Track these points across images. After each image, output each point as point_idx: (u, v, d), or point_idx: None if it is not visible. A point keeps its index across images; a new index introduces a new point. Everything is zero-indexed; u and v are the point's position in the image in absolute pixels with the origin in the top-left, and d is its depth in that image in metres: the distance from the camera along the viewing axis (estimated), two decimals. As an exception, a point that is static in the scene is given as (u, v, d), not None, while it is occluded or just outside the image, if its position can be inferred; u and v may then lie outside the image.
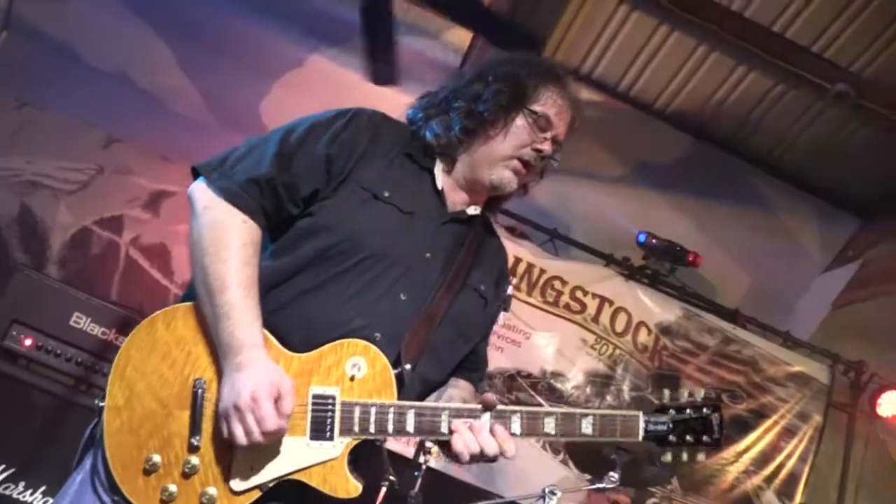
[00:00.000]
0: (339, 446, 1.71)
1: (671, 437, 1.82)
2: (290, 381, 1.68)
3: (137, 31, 5.77)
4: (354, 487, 1.71)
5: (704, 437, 1.81)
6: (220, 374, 1.70)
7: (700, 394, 1.85)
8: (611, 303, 6.21)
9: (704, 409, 1.82)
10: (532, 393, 5.88)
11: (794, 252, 6.29)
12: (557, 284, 6.12)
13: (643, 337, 6.24)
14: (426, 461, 4.01)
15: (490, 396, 1.79)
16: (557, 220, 6.17)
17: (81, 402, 3.53)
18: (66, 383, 3.58)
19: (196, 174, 1.86)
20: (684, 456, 1.82)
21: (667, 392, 1.86)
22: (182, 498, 1.67)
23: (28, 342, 3.57)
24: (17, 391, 3.45)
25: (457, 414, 1.78)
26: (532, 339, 5.99)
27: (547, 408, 1.75)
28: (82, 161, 5.85)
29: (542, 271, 6.11)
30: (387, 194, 1.88)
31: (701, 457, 1.83)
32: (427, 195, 1.98)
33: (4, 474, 3.34)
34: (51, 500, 3.36)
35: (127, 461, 1.67)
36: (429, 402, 1.86)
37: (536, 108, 1.99)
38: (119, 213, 5.84)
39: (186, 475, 1.67)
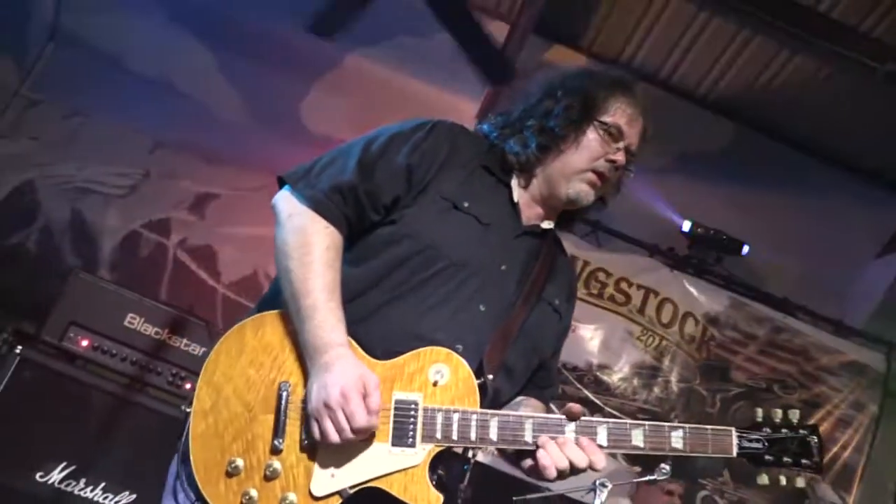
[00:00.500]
0: (421, 453, 1.70)
1: (767, 457, 1.75)
2: (376, 378, 1.68)
3: (179, 37, 5.91)
4: (436, 497, 1.68)
5: (804, 461, 1.74)
6: (305, 377, 1.72)
7: (796, 414, 1.78)
8: (656, 293, 6.14)
9: (801, 430, 1.76)
10: (579, 386, 5.84)
11: (845, 238, 6.15)
12: (601, 276, 6.07)
13: (690, 328, 6.16)
14: (475, 455, 4.02)
15: (576, 407, 1.77)
16: (600, 211, 6.10)
17: (137, 400, 3.59)
18: (121, 382, 3.65)
19: (282, 183, 1.90)
20: (782, 480, 1.76)
21: (759, 410, 1.80)
22: (263, 502, 1.66)
23: (85, 343, 3.65)
24: (75, 391, 3.52)
25: (542, 423, 1.76)
26: (578, 332, 5.95)
27: (633, 421, 1.70)
28: (130, 166, 5.97)
29: (586, 263, 6.07)
30: (466, 205, 1.91)
31: (801, 482, 1.75)
32: (503, 208, 2.00)
33: (66, 471, 3.41)
34: (111, 496, 3.44)
35: (210, 464, 1.68)
36: (511, 412, 1.82)
37: (607, 119, 2.00)
38: (166, 216, 5.95)
39: (268, 478, 1.67)
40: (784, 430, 1.75)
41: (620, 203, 6.52)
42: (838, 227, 6.09)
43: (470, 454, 4.40)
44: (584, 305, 5.99)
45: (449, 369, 1.76)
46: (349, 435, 1.62)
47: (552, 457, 1.71)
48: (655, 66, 5.90)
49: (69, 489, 3.41)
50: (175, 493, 1.75)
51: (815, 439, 1.75)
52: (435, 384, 1.74)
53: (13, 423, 3.37)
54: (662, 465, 3.82)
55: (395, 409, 1.72)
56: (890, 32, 4.89)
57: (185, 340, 3.81)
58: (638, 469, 5.57)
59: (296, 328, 1.73)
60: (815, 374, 6.25)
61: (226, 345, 1.77)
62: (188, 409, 1.74)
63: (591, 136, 1.99)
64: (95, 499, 3.42)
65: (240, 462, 1.67)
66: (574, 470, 1.72)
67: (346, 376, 1.64)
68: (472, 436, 1.71)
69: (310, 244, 1.76)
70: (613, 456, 5.70)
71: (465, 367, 1.77)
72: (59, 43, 5.80)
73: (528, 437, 1.74)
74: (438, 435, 1.70)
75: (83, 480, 3.44)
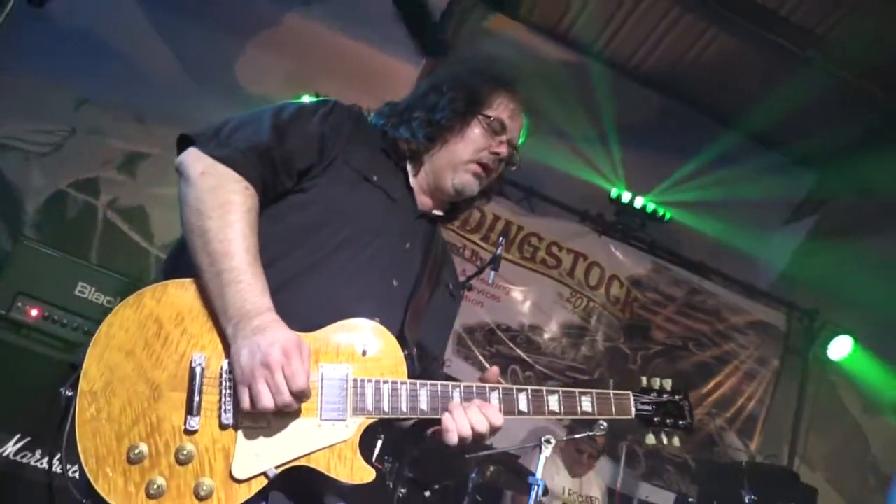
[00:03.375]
0: (352, 427, 1.62)
1: (655, 419, 1.92)
2: (308, 345, 1.60)
3: (108, -11, 5.64)
4: (368, 472, 1.62)
5: (680, 422, 1.94)
6: (222, 348, 1.59)
7: (668, 383, 1.96)
8: (585, 257, 6.44)
9: (676, 396, 1.95)
10: (512, 346, 6.10)
11: (757, 206, 6.56)
12: (534, 240, 6.31)
13: (615, 290, 6.51)
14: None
15: (496, 371, 1.86)
16: (533, 178, 6.30)
17: (91, 370, 3.56)
18: (74, 352, 3.60)
19: (185, 143, 1.77)
20: (664, 438, 1.94)
21: (643, 379, 1.97)
22: (173, 491, 1.49)
23: (34, 313, 3.55)
24: (26, 362, 3.43)
25: (469, 391, 1.75)
26: (511, 294, 6.20)
27: (549, 387, 1.85)
28: (53, 123, 5.70)
29: (520, 228, 6.29)
30: (375, 178, 1.93)
31: (676, 441, 1.93)
32: (403, 190, 2.04)
33: (20, 443, 3.35)
34: (68, 467, 3.41)
35: (104, 453, 1.47)
36: (438, 382, 1.78)
37: (490, 112, 2.06)
38: (94, 176, 5.73)
39: (181, 462, 1.50)
40: (664, 396, 1.94)
41: (553, 170, 6.75)
42: (751, 196, 6.48)
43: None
44: (516, 268, 6.22)
45: (376, 340, 1.71)
46: (286, 399, 1.52)
47: (456, 422, 1.70)
48: (590, 39, 6.07)
49: (25, 461, 3.35)
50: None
51: (687, 404, 1.96)
52: (364, 354, 1.69)
53: (-35, 397, 3.29)
54: (601, 421, 4.11)
55: (324, 381, 1.64)
56: (809, 20, 5.19)
57: (137, 310, 3.76)
58: (566, 422, 5.91)
59: (213, 293, 1.59)
60: (726, 333, 6.75)
61: (120, 316, 1.57)
62: (69, 393, 1.53)
63: (476, 129, 2.04)
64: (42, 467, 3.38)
65: (143, 447, 1.48)
66: (476, 435, 1.71)
67: (286, 336, 1.56)
68: (403, 406, 1.68)
69: (231, 203, 1.65)
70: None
71: (391, 339, 1.74)
72: (-27, -11, 5.44)
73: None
74: (370, 407, 1.65)
75: (38, 452, 3.39)
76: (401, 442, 4.35)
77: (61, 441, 1.51)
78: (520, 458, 4.77)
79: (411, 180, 2.06)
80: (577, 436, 4.30)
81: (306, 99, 2.08)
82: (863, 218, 6.42)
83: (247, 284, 1.58)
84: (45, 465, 3.40)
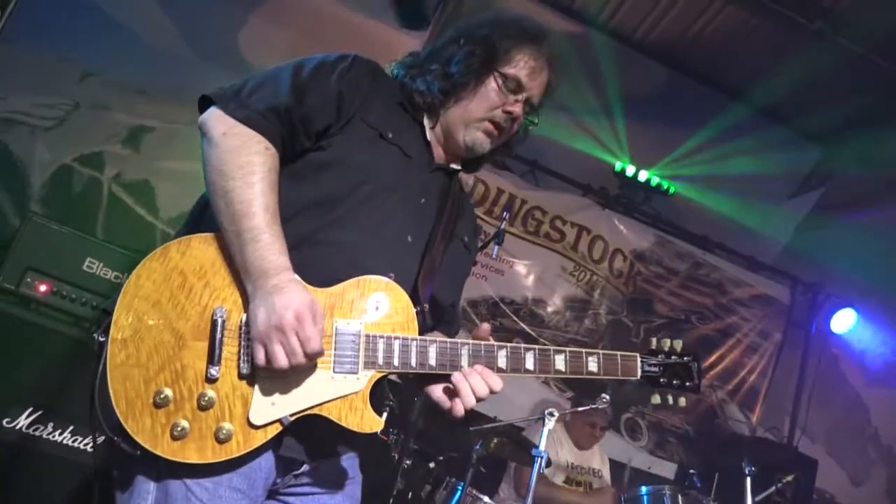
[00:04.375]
0: (363, 379, 1.69)
1: (662, 380, 1.95)
2: (321, 308, 1.66)
3: (109, -39, 5.59)
4: (377, 422, 1.69)
5: (687, 383, 1.97)
6: (242, 302, 1.66)
7: (679, 344, 1.98)
8: (588, 231, 6.45)
9: (685, 357, 1.97)
10: (515, 319, 6.14)
11: (762, 179, 6.55)
12: (538, 214, 6.32)
13: (619, 263, 6.53)
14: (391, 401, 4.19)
15: (485, 327, 1.85)
16: (537, 151, 6.29)
17: (99, 344, 3.60)
18: (83, 326, 3.63)
19: (207, 103, 1.80)
20: (670, 399, 1.96)
21: (653, 340, 1.99)
22: (195, 433, 1.59)
23: (43, 288, 3.58)
24: (36, 337, 3.46)
25: (476, 350, 1.80)
26: (514, 268, 6.22)
27: (556, 346, 1.87)
28: (57, 96, 5.69)
29: (524, 202, 6.29)
30: (391, 135, 1.92)
31: (682, 401, 1.96)
32: (419, 143, 2.02)
33: (33, 416, 3.41)
34: (80, 438, 3.47)
35: (132, 396, 1.57)
36: (447, 339, 1.85)
37: (508, 70, 2.01)
38: (99, 150, 5.73)
39: (202, 408, 1.59)
40: (673, 357, 1.97)
41: (556, 144, 6.73)
42: (756, 170, 6.47)
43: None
44: (520, 242, 6.24)
45: (388, 297, 1.77)
46: (300, 359, 1.59)
47: (461, 393, 1.75)
48: (596, 10, 6.02)
49: (37, 434, 3.41)
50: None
51: (696, 365, 1.98)
52: (376, 311, 1.75)
53: (-25, 371, 3.33)
54: (603, 394, 4.15)
55: (338, 335, 1.71)
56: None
57: (145, 284, 3.79)
58: (570, 395, 5.98)
59: (234, 251, 1.66)
60: (729, 306, 6.78)
61: (147, 268, 1.65)
62: (102, 338, 1.62)
63: (491, 86, 2.00)
64: (64, 442, 3.44)
65: (168, 392, 1.58)
66: (478, 401, 1.76)
67: (300, 300, 1.61)
68: (413, 361, 1.73)
69: (252, 164, 1.70)
70: (547, 384, 6.08)
71: (404, 296, 1.78)
72: (-26, -38, 5.40)
73: (465, 363, 1.78)
74: (380, 361, 1.71)
75: (51, 424, 3.43)
76: (407, 413, 4.42)
77: (95, 382, 1.60)
78: (524, 431, 4.83)
79: (427, 133, 2.05)
80: (580, 409, 4.36)
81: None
82: (868, 192, 6.41)
83: (265, 244, 1.64)
84: (58, 438, 3.46)
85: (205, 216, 1.79)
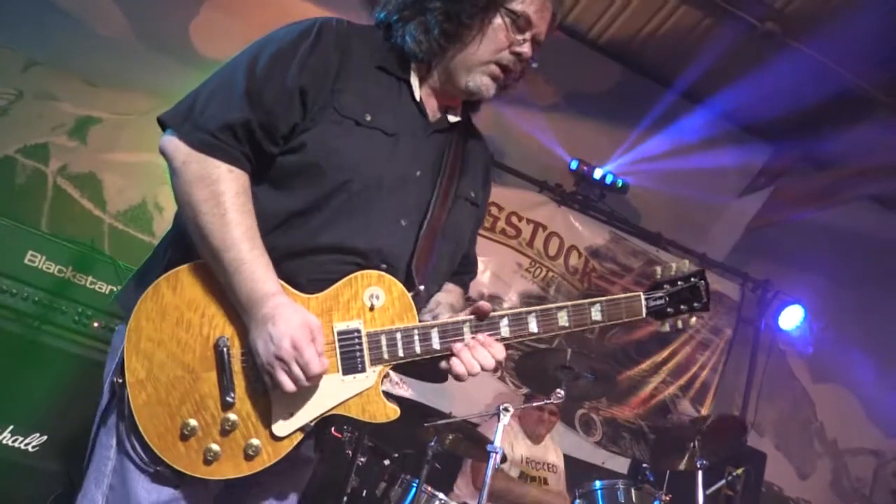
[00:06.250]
0: (373, 375, 1.73)
1: (669, 309, 1.89)
2: (317, 320, 1.66)
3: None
4: (393, 411, 1.75)
5: (695, 304, 1.90)
6: (241, 328, 1.68)
7: (685, 264, 1.93)
8: (544, 228, 6.47)
9: (692, 279, 1.90)
10: (471, 316, 6.11)
11: (713, 177, 6.65)
12: (494, 210, 6.31)
13: (574, 260, 6.56)
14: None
15: (485, 305, 1.79)
16: (493, 147, 6.25)
17: (42, 340, 3.46)
18: (24, 322, 3.50)
19: (163, 126, 1.72)
20: (679, 324, 1.91)
21: (658, 269, 1.94)
22: (227, 454, 1.67)
23: (-19, 282, 3.46)
24: (-27, 333, 3.36)
25: (477, 324, 1.79)
26: (470, 264, 6.20)
27: (558, 304, 1.84)
28: (0, 86, 5.50)
29: (480, 198, 6.27)
30: (369, 118, 1.78)
31: (692, 322, 1.90)
32: (407, 109, 1.88)
33: (-29, 414, 3.29)
34: (20, 438, 3.35)
35: (162, 431, 1.65)
36: (447, 318, 1.82)
37: (516, 7, 1.86)
38: (44, 141, 5.55)
39: (227, 432, 1.67)
40: (679, 283, 1.90)
41: (513, 140, 6.70)
42: (708, 168, 6.56)
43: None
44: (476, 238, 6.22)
45: (383, 290, 1.76)
46: (304, 384, 1.63)
47: (465, 365, 1.75)
48: (552, 7, 6.03)
49: (-16, 434, 3.30)
50: (135, 464, 1.69)
51: (703, 283, 1.90)
52: (372, 308, 1.75)
53: None
54: (558, 389, 4.16)
55: (339, 339, 1.73)
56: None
57: (90, 278, 3.67)
58: (524, 391, 5.98)
59: (221, 280, 1.66)
60: (681, 303, 6.85)
61: (144, 309, 1.68)
62: (120, 381, 1.68)
63: (498, 24, 1.85)
64: (4, 442, 3.32)
65: (193, 423, 1.66)
66: (483, 370, 1.77)
67: (292, 325, 1.60)
68: (417, 349, 1.75)
69: (218, 193, 1.64)
70: (502, 380, 6.08)
71: (398, 286, 1.77)
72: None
73: (468, 338, 1.78)
74: (386, 356, 1.74)
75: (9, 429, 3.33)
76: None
77: (127, 422, 1.69)
78: (479, 427, 4.82)
79: (416, 90, 1.90)
80: (535, 403, 4.37)
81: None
82: (816, 191, 6.56)
83: (248, 274, 1.63)
84: (15, 444, 3.33)
85: (185, 243, 1.73)
